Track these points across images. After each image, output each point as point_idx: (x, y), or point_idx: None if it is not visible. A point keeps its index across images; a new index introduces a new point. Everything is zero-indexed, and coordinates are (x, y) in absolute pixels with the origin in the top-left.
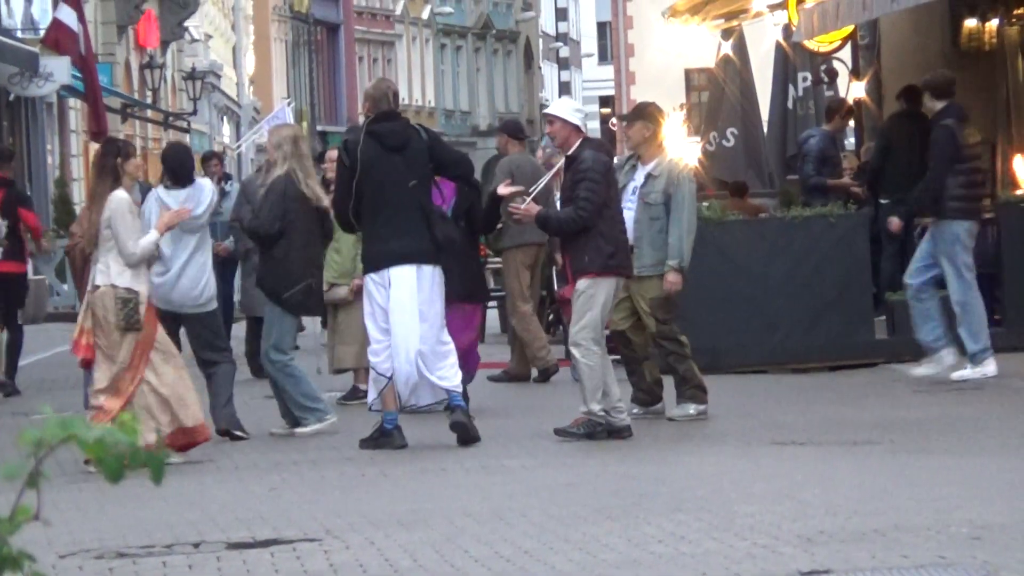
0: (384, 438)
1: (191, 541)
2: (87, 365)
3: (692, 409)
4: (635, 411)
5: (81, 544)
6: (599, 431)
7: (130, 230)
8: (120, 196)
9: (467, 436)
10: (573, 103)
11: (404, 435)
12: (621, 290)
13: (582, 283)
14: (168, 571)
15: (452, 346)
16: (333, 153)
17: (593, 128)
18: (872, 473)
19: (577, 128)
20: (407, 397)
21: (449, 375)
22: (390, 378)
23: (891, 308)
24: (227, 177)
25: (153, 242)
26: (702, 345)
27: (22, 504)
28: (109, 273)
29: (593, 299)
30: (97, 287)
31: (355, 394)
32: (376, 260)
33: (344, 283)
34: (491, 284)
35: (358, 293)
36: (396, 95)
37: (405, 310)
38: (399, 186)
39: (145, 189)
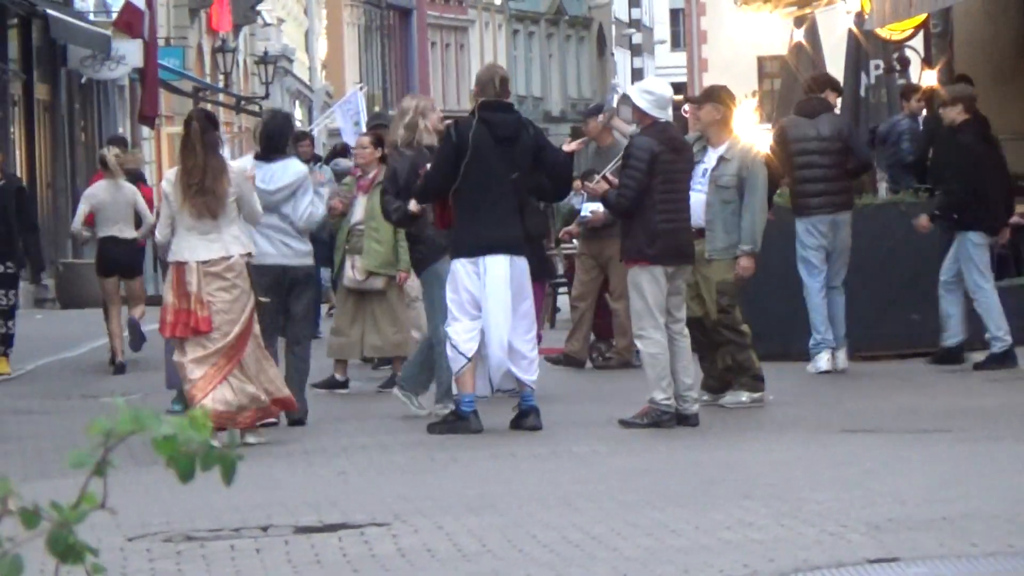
0: (460, 422)
1: (259, 525)
2: (194, 334)
3: (745, 397)
4: (704, 398)
5: (149, 527)
6: (665, 420)
7: (254, 193)
8: (240, 165)
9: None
10: (647, 84)
11: (480, 419)
12: (689, 275)
13: (628, 272)
14: (236, 555)
15: (536, 340)
16: (364, 139)
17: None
18: (941, 461)
19: (644, 112)
20: (500, 382)
21: (532, 369)
22: (469, 359)
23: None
24: (317, 159)
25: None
26: (772, 332)
27: (88, 492)
28: (242, 242)
29: (638, 288)
30: (229, 256)
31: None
32: (471, 247)
33: (385, 272)
34: (561, 270)
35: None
36: (504, 80)
37: (500, 298)
38: (503, 177)
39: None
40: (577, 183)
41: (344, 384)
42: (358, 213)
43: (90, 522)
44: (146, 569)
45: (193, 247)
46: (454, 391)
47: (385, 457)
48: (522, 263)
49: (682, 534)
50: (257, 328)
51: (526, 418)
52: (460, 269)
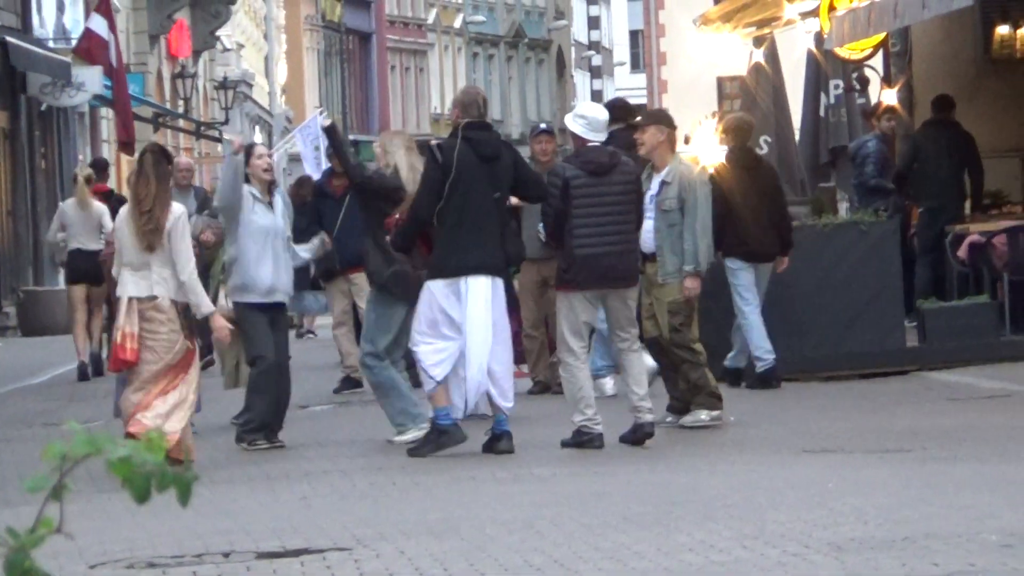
0: (444, 436)
1: (221, 551)
2: (125, 367)
3: (704, 415)
4: (668, 419)
5: (111, 554)
6: (585, 440)
7: (188, 246)
8: (183, 209)
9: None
10: (581, 108)
11: (462, 429)
12: (640, 295)
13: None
14: None
15: (512, 364)
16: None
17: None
18: (903, 481)
19: (576, 136)
20: (472, 405)
21: (508, 394)
22: (439, 383)
23: (922, 315)
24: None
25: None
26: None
27: (45, 516)
28: (169, 286)
29: (559, 313)
30: (154, 297)
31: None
32: (452, 267)
33: None
34: None
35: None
36: (485, 102)
37: (481, 321)
38: (485, 196)
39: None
40: None
41: None
42: None
43: (52, 550)
44: None
45: (125, 283)
46: (417, 410)
47: (347, 482)
48: (501, 285)
49: (645, 556)
50: (191, 372)
51: (498, 442)
52: (436, 290)
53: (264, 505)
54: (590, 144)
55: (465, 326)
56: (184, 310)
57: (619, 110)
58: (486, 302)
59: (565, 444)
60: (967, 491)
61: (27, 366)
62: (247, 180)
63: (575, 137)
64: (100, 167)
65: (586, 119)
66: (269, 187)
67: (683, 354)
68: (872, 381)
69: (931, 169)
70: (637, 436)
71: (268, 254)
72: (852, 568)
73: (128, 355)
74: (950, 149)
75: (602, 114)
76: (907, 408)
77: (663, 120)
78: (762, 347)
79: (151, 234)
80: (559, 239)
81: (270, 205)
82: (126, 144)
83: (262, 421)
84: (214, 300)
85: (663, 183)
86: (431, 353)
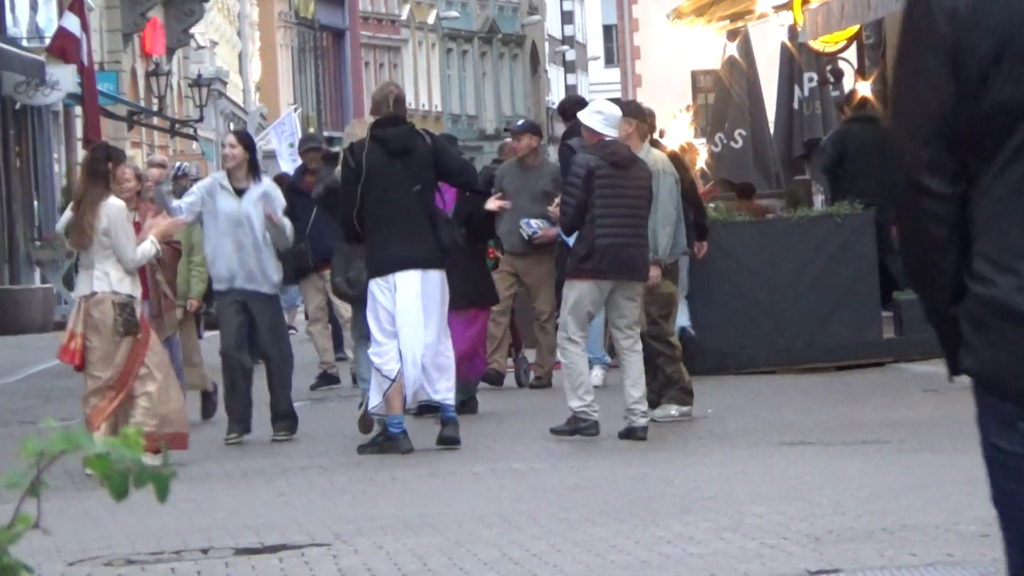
0: (389, 442)
1: (200, 547)
2: (80, 369)
3: (674, 411)
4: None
5: (90, 551)
6: (583, 427)
7: (130, 237)
8: (117, 204)
9: (454, 444)
10: (598, 105)
11: (410, 439)
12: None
13: (564, 285)
14: None
15: (452, 358)
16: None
17: None
18: (881, 472)
19: (594, 131)
20: (413, 396)
21: (443, 388)
22: (394, 380)
23: (899, 307)
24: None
25: (153, 250)
26: (710, 347)
27: (22, 513)
28: (109, 280)
29: (566, 301)
30: (94, 293)
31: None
32: (381, 265)
33: (179, 303)
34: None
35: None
36: (399, 99)
37: (411, 315)
38: (403, 191)
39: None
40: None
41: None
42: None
43: (30, 548)
44: None
45: (78, 283)
46: (377, 410)
47: (325, 478)
48: (436, 276)
49: (623, 550)
50: (159, 359)
51: (443, 429)
52: (375, 289)
53: (242, 501)
54: (608, 138)
55: (396, 320)
56: (121, 307)
57: (576, 105)
58: (416, 296)
59: (557, 431)
60: (944, 482)
61: (2, 365)
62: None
63: (591, 132)
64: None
65: (603, 115)
66: (246, 175)
67: (659, 347)
68: (849, 373)
69: (860, 166)
70: (629, 438)
71: (227, 241)
72: (830, 559)
73: (66, 356)
74: (877, 144)
75: (617, 110)
76: (884, 400)
77: (631, 112)
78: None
79: (79, 232)
80: (574, 229)
81: (239, 193)
82: (92, 143)
83: (229, 414)
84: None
85: (650, 176)
86: (384, 353)
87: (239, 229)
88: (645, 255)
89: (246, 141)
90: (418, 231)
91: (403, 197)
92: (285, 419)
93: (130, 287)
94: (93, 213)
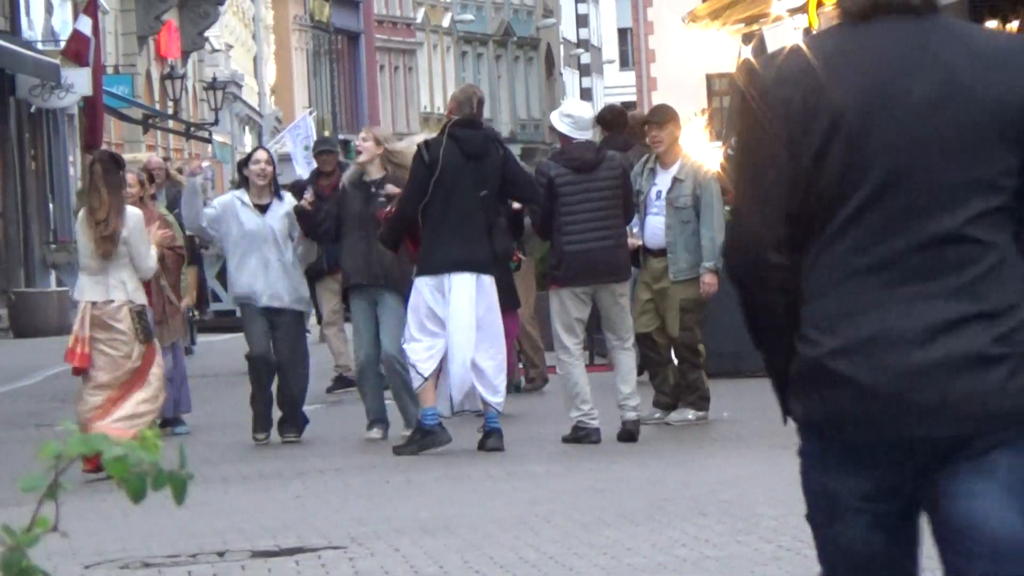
0: (428, 437)
1: (216, 550)
2: (81, 372)
3: (691, 415)
4: (656, 415)
5: (106, 554)
6: (583, 436)
7: (149, 246)
8: (136, 213)
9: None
10: (567, 107)
11: (447, 430)
12: (642, 292)
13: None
14: None
15: (504, 361)
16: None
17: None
18: None
19: (564, 135)
20: (460, 401)
21: (497, 390)
22: (427, 378)
23: None
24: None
25: (156, 258)
26: (725, 350)
27: (41, 516)
28: (126, 289)
29: (552, 311)
30: (111, 301)
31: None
32: (436, 264)
33: None
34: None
35: None
36: (481, 102)
37: (464, 317)
38: (470, 194)
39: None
40: None
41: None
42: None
43: (47, 550)
44: None
45: (83, 288)
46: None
47: (341, 481)
48: (489, 282)
49: (638, 552)
50: (161, 371)
51: (488, 439)
52: (423, 286)
53: (258, 504)
54: (576, 141)
55: (448, 323)
56: (139, 315)
57: (620, 115)
58: (470, 299)
59: (566, 440)
60: None
61: (19, 368)
62: (246, 183)
63: (561, 136)
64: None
65: (572, 118)
66: (268, 191)
67: (687, 355)
68: None
69: None
70: (620, 433)
71: (252, 258)
72: None
73: (77, 360)
74: None
75: (587, 112)
76: None
77: (677, 118)
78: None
79: (106, 242)
80: (547, 236)
81: (264, 209)
82: (91, 148)
83: (255, 414)
84: None
85: (676, 180)
86: (420, 350)
87: (264, 245)
88: (620, 256)
89: (272, 159)
90: (476, 235)
91: (469, 200)
92: (294, 423)
93: (142, 296)
94: (121, 223)
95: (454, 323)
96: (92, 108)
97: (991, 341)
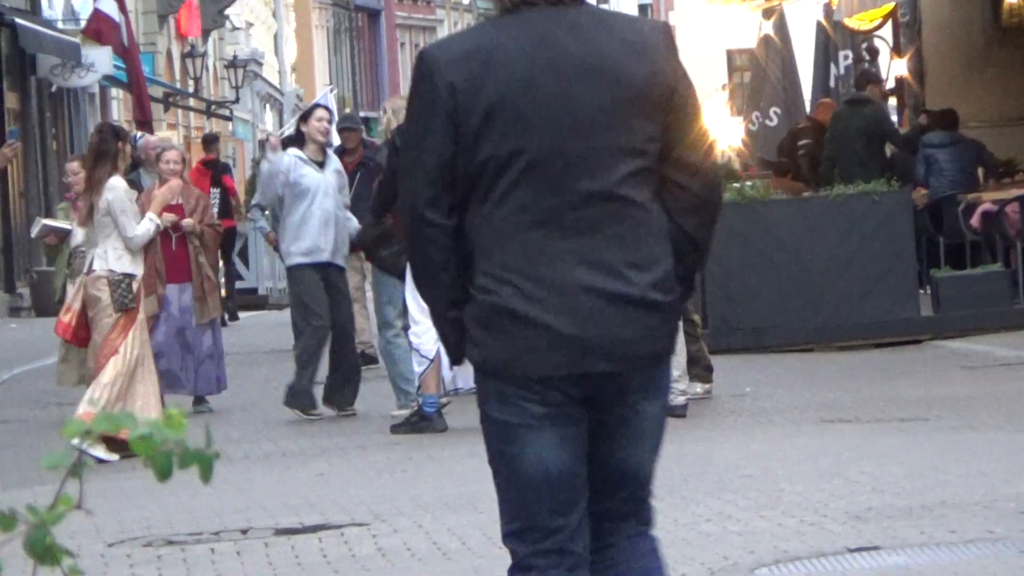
0: (424, 422)
1: (239, 527)
2: (82, 343)
3: (700, 388)
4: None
5: (129, 532)
6: None
7: (130, 216)
8: (118, 183)
9: None
10: None
11: (444, 419)
12: None
13: None
14: (216, 558)
15: None
16: (74, 165)
17: None
18: (919, 449)
19: None
20: (450, 381)
21: None
22: (432, 360)
23: (936, 284)
24: None
25: (152, 227)
26: (747, 324)
27: (64, 494)
28: (107, 259)
29: None
30: (93, 270)
31: None
32: None
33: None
34: None
35: None
36: None
37: None
38: None
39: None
40: None
41: None
42: (78, 236)
43: (70, 529)
44: (127, 574)
45: (85, 261)
46: (410, 390)
47: (363, 458)
48: None
49: (661, 528)
50: (133, 349)
51: None
52: None
53: (281, 482)
54: None
55: None
56: (116, 284)
57: None
58: None
59: None
60: (983, 459)
61: (41, 347)
62: (302, 140)
63: None
64: (208, 140)
65: None
66: (323, 148)
67: (685, 327)
68: (887, 350)
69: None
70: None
71: (315, 214)
72: (869, 537)
73: (59, 329)
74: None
75: None
76: (922, 377)
77: None
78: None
79: (83, 211)
80: None
81: (321, 165)
82: (143, 123)
83: (305, 386)
84: (62, 292)
85: None
86: (422, 333)
87: (326, 200)
88: None
89: (332, 116)
90: None
91: None
92: (354, 391)
93: (130, 265)
94: (97, 193)
95: None
96: (136, 86)
97: (649, 286)
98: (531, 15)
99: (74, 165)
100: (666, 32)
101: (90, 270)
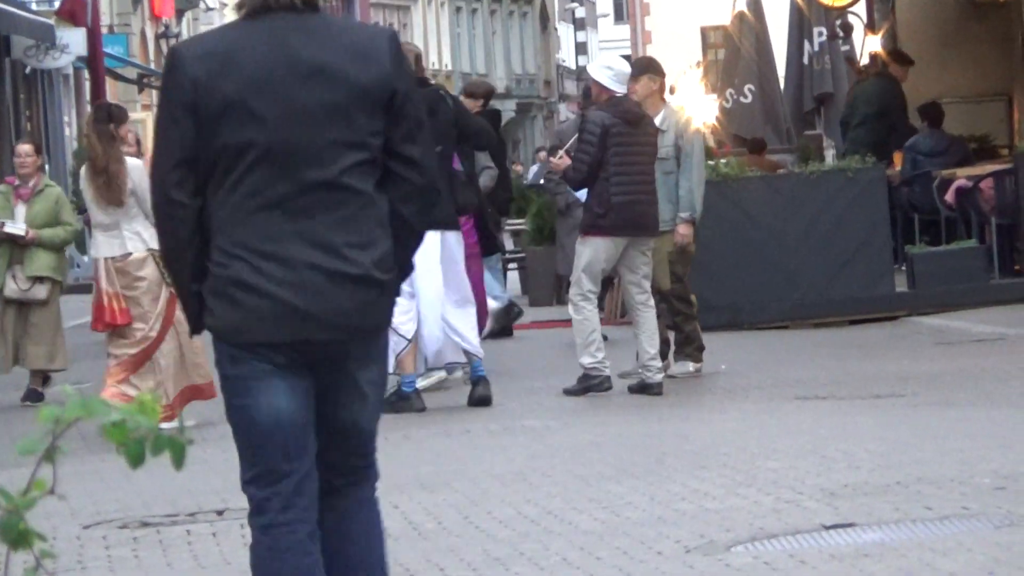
0: (402, 402)
1: (215, 509)
2: (111, 327)
3: (691, 367)
4: (690, 368)
5: (105, 514)
6: (595, 384)
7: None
8: (137, 163)
9: (486, 404)
10: (607, 60)
11: (422, 398)
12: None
13: (578, 243)
14: (192, 539)
15: (474, 309)
16: (26, 148)
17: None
18: (894, 426)
19: (604, 86)
20: (435, 355)
21: (471, 336)
22: (410, 340)
23: (911, 261)
24: None
25: None
26: (722, 302)
27: (38, 478)
28: (143, 238)
29: (580, 257)
30: (129, 254)
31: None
32: None
33: (52, 276)
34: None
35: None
36: (419, 58)
37: (431, 276)
38: None
39: None
40: (542, 155)
41: (40, 397)
42: (19, 221)
43: (45, 511)
44: (103, 556)
45: (99, 244)
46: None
47: None
48: (452, 237)
49: (638, 506)
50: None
51: (475, 388)
52: None
53: None
54: (617, 95)
55: (416, 282)
56: (160, 261)
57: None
58: (435, 256)
59: (569, 392)
60: (958, 435)
61: None
62: None
63: (601, 87)
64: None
65: (613, 70)
66: None
67: (680, 306)
68: (862, 327)
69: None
70: (643, 393)
71: None
72: (845, 514)
73: (118, 317)
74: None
75: (626, 67)
76: (897, 353)
77: (653, 68)
78: None
79: (112, 190)
80: (585, 186)
81: None
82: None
83: None
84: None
85: (657, 130)
86: (399, 314)
87: None
88: (656, 211)
89: None
90: None
91: None
92: None
93: (154, 241)
94: (125, 173)
95: (422, 283)
96: (95, 68)
97: (369, 265)
98: (271, 21)
99: (26, 147)
100: (391, 38)
101: (126, 254)
